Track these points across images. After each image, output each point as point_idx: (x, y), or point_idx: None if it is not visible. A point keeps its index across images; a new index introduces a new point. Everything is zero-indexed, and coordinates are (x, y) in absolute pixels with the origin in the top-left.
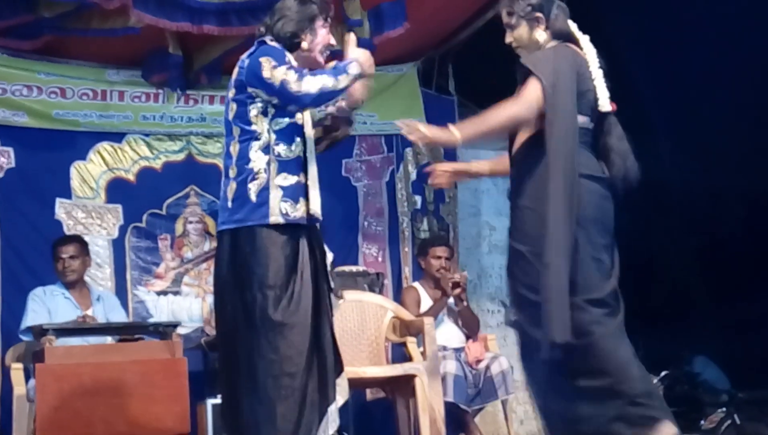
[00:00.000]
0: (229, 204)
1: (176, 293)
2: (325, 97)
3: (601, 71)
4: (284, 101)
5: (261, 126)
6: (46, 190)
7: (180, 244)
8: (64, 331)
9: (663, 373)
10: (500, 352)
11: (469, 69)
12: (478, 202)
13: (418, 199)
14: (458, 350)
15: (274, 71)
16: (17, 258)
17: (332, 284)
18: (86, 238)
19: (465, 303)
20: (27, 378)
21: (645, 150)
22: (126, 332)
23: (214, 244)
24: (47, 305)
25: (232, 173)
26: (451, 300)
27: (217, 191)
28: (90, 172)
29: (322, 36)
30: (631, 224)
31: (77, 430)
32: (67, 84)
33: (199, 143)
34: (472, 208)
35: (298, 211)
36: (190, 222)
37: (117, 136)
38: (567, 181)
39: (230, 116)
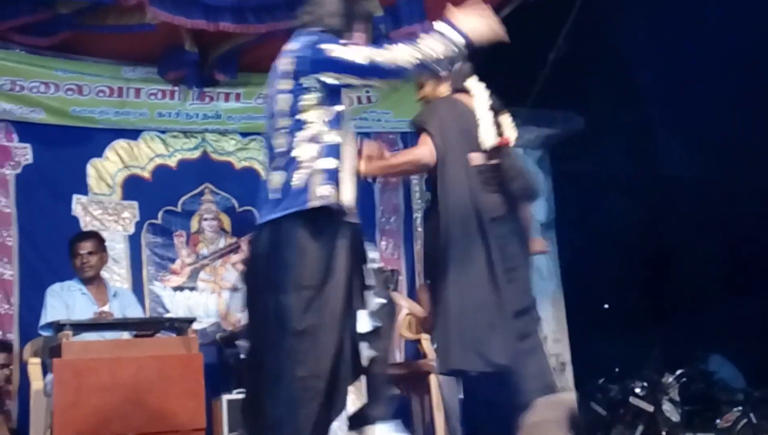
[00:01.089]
0: (274, 195)
1: (192, 289)
2: (421, 66)
3: (491, 112)
4: (377, 76)
5: (311, 116)
6: (64, 187)
7: (195, 241)
8: (81, 326)
9: (678, 372)
10: None
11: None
12: None
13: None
14: None
15: (351, 51)
16: (35, 253)
17: (372, 284)
18: (103, 235)
19: None
20: (44, 373)
21: (660, 148)
22: (142, 328)
23: (230, 240)
24: (65, 301)
25: (277, 164)
26: None
27: (232, 188)
28: (106, 169)
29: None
30: (646, 222)
31: (94, 424)
32: (83, 81)
33: (213, 140)
34: None
35: (335, 197)
36: (205, 219)
37: (133, 134)
38: (455, 216)
39: (277, 108)
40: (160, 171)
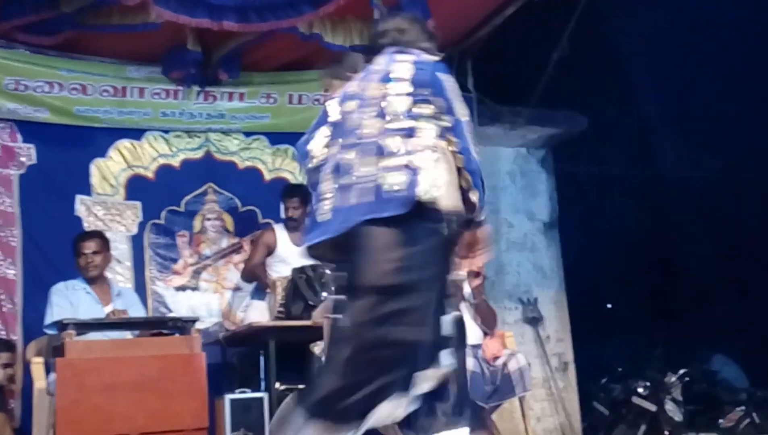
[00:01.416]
0: (398, 193)
1: (194, 289)
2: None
3: None
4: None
5: (423, 124)
6: (67, 187)
7: (198, 241)
8: (84, 325)
9: (681, 371)
10: (517, 349)
11: (488, 66)
12: (496, 200)
13: None
14: (475, 347)
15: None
16: (38, 253)
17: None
18: (106, 235)
19: (483, 296)
20: (48, 372)
21: (663, 148)
22: (145, 327)
23: (232, 241)
24: (69, 300)
25: (389, 164)
26: (468, 291)
27: (235, 188)
28: (110, 169)
29: None
30: (649, 222)
31: (96, 424)
32: (87, 80)
33: (217, 140)
34: (490, 205)
35: (444, 205)
36: (208, 219)
37: (137, 133)
38: None
39: (389, 108)
40: (164, 171)
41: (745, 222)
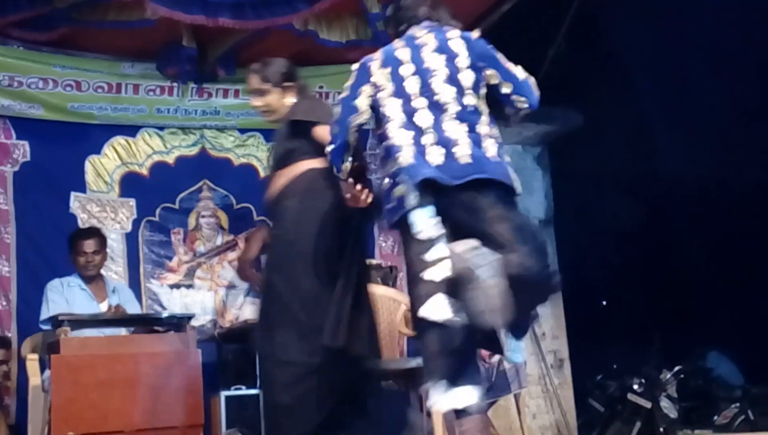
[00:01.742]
0: (495, 159)
1: (189, 286)
2: None
3: None
4: (523, 94)
5: (483, 106)
6: (61, 184)
7: (193, 238)
8: (79, 322)
9: (676, 368)
10: None
11: None
12: None
13: None
14: None
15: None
16: (32, 251)
17: None
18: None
19: None
20: (42, 369)
21: (658, 145)
22: (140, 324)
23: (227, 238)
24: (65, 296)
25: (484, 132)
26: None
27: (230, 185)
28: (104, 166)
29: None
30: (645, 219)
31: (91, 420)
32: (82, 77)
33: (212, 137)
34: None
35: None
36: (203, 216)
37: (131, 130)
38: None
39: (465, 83)
40: (158, 168)
41: (741, 219)
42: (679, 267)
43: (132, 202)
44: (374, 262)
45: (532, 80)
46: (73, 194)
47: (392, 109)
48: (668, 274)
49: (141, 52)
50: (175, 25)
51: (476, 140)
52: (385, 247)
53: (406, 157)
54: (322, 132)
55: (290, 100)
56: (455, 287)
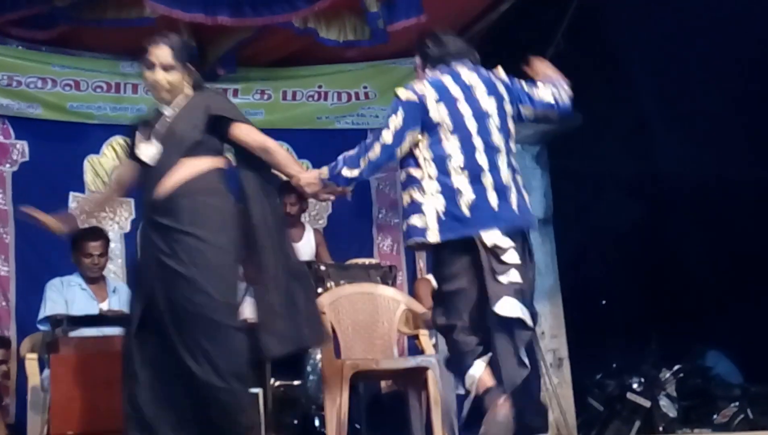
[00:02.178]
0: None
1: None
2: None
3: None
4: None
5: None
6: (60, 184)
7: None
8: (78, 321)
9: (675, 367)
10: None
11: (483, 63)
12: None
13: None
14: None
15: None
16: (31, 250)
17: None
18: None
19: None
20: (42, 368)
21: (658, 144)
22: None
23: None
24: (64, 296)
25: (514, 179)
26: None
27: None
28: (103, 166)
29: None
30: (644, 218)
31: (90, 420)
32: (81, 76)
33: None
34: None
35: None
36: None
37: (130, 130)
38: None
39: (513, 132)
40: None
41: (741, 219)
42: (678, 266)
43: (130, 202)
44: (373, 261)
45: (562, 91)
46: (71, 194)
47: (452, 146)
48: (667, 273)
49: (140, 51)
50: (174, 23)
51: (518, 189)
52: (383, 247)
53: (467, 197)
54: (245, 132)
55: (188, 82)
56: None
